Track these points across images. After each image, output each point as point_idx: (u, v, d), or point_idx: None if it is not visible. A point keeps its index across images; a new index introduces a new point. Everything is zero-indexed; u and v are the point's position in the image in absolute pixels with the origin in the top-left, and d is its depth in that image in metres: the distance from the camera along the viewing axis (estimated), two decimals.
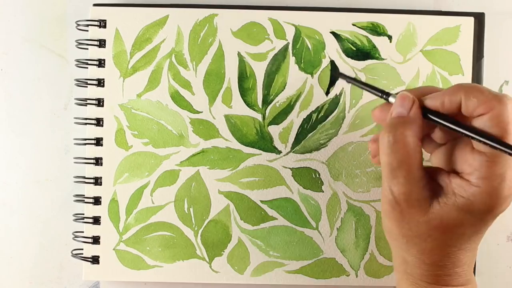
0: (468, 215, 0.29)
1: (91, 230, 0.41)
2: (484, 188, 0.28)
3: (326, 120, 0.42)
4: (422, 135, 0.31)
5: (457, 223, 0.29)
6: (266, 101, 0.42)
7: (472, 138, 0.29)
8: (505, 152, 0.27)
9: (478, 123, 0.29)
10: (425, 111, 0.30)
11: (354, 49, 0.42)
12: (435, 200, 0.30)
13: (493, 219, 0.30)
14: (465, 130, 0.29)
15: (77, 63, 0.41)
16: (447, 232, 0.30)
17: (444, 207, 0.29)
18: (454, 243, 0.30)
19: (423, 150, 0.31)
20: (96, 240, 0.41)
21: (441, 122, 0.30)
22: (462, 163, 0.30)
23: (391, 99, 0.32)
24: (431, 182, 0.31)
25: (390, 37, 0.42)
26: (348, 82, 0.35)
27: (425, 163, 0.31)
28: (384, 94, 0.32)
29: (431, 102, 0.30)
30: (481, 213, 0.29)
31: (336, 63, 0.42)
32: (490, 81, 0.44)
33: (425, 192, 0.30)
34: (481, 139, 0.28)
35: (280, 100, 0.42)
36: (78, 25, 0.41)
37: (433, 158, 0.34)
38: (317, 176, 0.41)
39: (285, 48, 0.42)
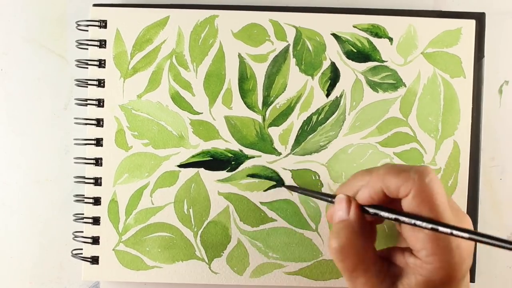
0: None
1: (90, 230, 0.41)
2: (436, 264, 0.28)
3: (326, 122, 0.42)
4: (367, 229, 0.31)
5: None
6: (266, 103, 0.42)
7: (404, 223, 0.29)
8: (432, 230, 0.28)
9: (406, 203, 0.29)
10: (362, 206, 0.32)
11: (355, 51, 0.42)
12: (399, 285, 0.30)
13: (459, 285, 0.30)
14: (397, 216, 0.29)
15: (77, 63, 0.41)
16: None
17: None
18: None
19: None
20: (95, 240, 0.41)
21: (377, 213, 0.31)
22: (411, 240, 0.30)
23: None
24: (391, 266, 0.31)
25: (391, 39, 0.42)
26: (295, 191, 0.40)
27: None
28: (330, 197, 0.34)
29: (360, 197, 0.31)
30: (443, 286, 0.29)
31: (338, 66, 0.41)
32: (490, 81, 0.44)
33: (387, 281, 0.30)
34: (408, 221, 0.29)
35: (281, 101, 0.42)
36: (79, 25, 0.41)
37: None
38: (317, 178, 0.41)
39: (286, 49, 0.42)
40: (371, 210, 0.31)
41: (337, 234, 0.31)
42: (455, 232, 0.27)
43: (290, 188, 0.41)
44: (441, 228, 0.27)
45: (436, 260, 0.28)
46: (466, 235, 0.27)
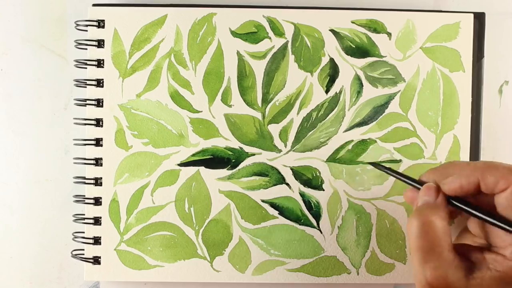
0: (506, 287, 0.30)
1: (91, 230, 0.41)
2: None
3: (326, 119, 0.42)
4: (449, 219, 0.32)
5: None
6: (266, 100, 0.42)
7: (492, 224, 0.30)
8: None
9: (500, 199, 0.30)
10: (448, 198, 0.32)
11: (354, 46, 0.42)
12: (470, 278, 0.30)
13: None
14: (485, 216, 0.30)
15: (76, 63, 0.41)
16: None
17: (481, 283, 0.30)
18: None
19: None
20: (97, 240, 0.41)
21: (464, 208, 0.31)
22: (494, 237, 0.31)
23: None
24: (463, 260, 0.31)
25: (389, 34, 0.42)
26: (387, 173, 0.37)
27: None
28: (417, 183, 0.34)
29: (450, 187, 0.32)
30: None
31: (337, 62, 0.42)
32: (490, 81, 0.44)
33: (459, 272, 0.30)
34: (500, 225, 0.30)
35: (280, 98, 0.42)
36: (78, 25, 0.41)
37: (470, 225, 0.34)
38: (318, 174, 0.41)
39: (284, 46, 0.42)
40: (459, 205, 0.32)
41: (419, 212, 0.31)
42: None
43: (376, 166, 0.38)
44: None
45: None
46: None
